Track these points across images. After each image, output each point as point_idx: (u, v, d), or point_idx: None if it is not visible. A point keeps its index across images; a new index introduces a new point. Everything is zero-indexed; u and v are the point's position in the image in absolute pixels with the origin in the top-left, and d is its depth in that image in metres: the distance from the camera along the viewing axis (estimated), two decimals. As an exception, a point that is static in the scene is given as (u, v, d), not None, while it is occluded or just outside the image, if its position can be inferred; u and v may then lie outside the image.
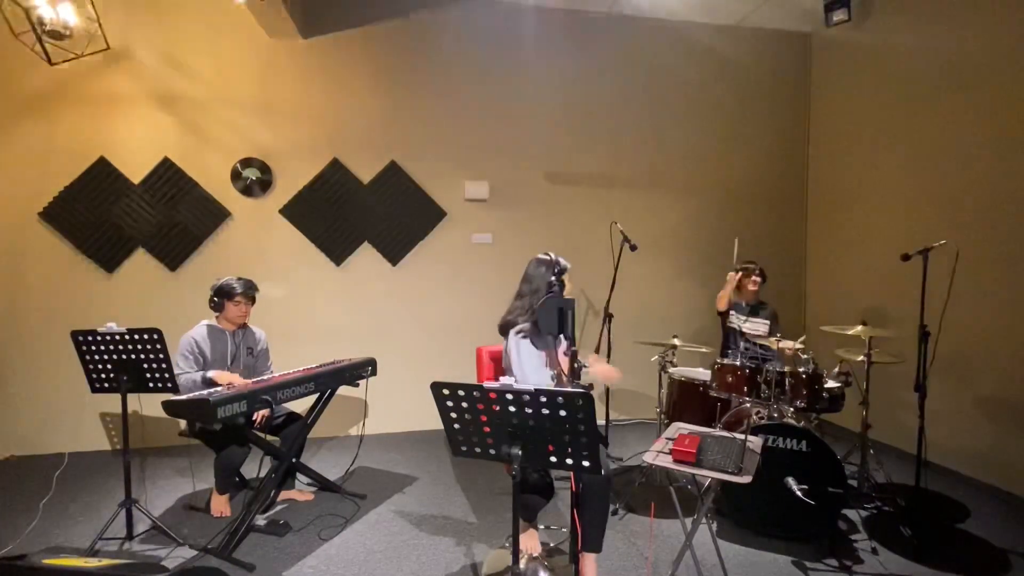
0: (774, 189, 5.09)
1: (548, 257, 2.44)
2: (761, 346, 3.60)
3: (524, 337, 2.39)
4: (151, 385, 2.64)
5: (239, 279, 3.09)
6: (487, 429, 1.66)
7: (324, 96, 4.32)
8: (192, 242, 4.15)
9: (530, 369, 2.35)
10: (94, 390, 2.70)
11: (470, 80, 4.54)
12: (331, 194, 4.35)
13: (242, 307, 3.10)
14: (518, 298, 2.51)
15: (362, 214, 4.41)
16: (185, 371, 2.94)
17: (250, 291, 3.12)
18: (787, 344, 3.27)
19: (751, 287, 3.85)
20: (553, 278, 2.30)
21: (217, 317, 3.13)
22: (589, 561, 2.31)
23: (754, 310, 3.89)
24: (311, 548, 2.74)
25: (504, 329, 2.50)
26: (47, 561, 1.90)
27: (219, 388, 2.73)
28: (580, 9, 4.61)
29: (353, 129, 4.37)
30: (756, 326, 3.82)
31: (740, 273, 3.85)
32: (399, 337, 4.53)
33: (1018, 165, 3.37)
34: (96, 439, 4.09)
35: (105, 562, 1.96)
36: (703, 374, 3.68)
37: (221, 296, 3.06)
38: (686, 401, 3.57)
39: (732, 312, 3.88)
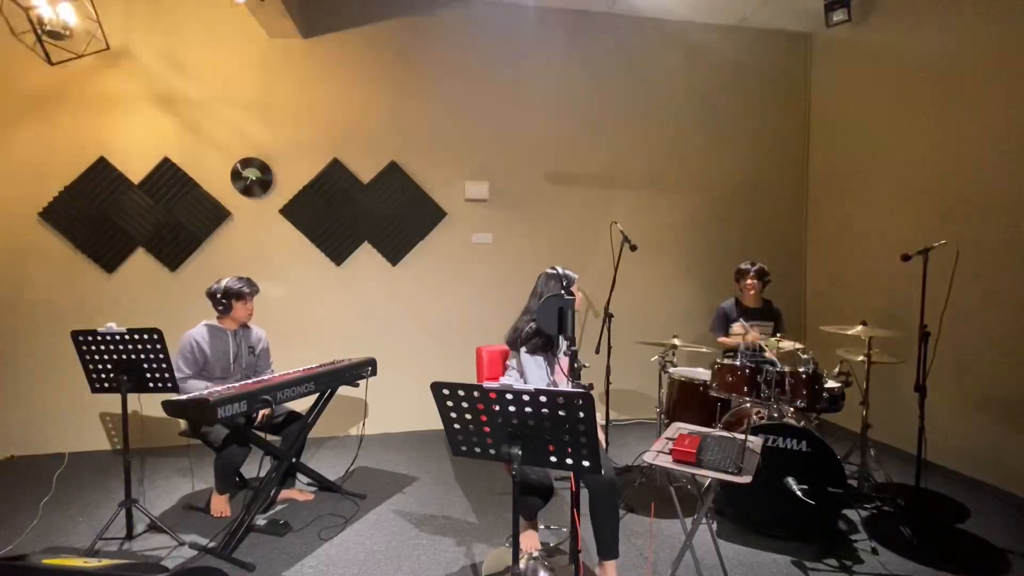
0: (774, 189, 5.09)
1: (556, 271, 2.51)
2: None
3: (534, 353, 2.52)
4: (151, 385, 2.65)
5: (239, 279, 3.11)
6: (487, 429, 1.66)
7: (324, 96, 4.32)
8: (192, 242, 4.15)
9: (540, 384, 2.44)
10: (94, 390, 2.70)
11: (470, 80, 4.53)
12: (331, 194, 4.35)
13: (250, 305, 3.16)
14: (526, 312, 2.60)
15: (362, 214, 4.40)
16: (186, 372, 2.97)
17: (255, 289, 3.18)
18: (787, 345, 3.26)
19: (750, 291, 3.82)
20: (562, 291, 2.34)
21: (219, 317, 3.14)
22: (611, 569, 2.32)
23: (756, 313, 3.85)
24: (311, 548, 2.74)
25: (513, 343, 2.58)
26: (47, 561, 1.90)
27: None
28: (580, 9, 4.61)
29: (353, 129, 4.37)
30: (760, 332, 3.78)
31: (742, 323, 3.67)
32: (399, 337, 4.52)
33: (1018, 165, 3.37)
34: (96, 439, 4.09)
35: (105, 562, 1.96)
36: (703, 374, 3.67)
37: (230, 298, 3.08)
38: (686, 401, 3.57)
39: (735, 323, 3.82)
